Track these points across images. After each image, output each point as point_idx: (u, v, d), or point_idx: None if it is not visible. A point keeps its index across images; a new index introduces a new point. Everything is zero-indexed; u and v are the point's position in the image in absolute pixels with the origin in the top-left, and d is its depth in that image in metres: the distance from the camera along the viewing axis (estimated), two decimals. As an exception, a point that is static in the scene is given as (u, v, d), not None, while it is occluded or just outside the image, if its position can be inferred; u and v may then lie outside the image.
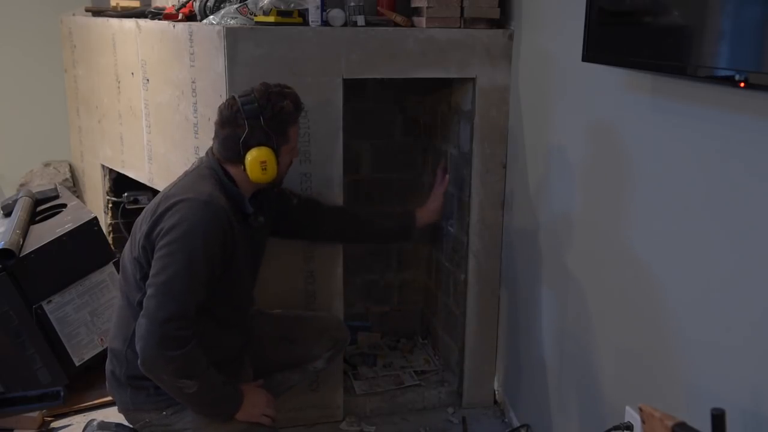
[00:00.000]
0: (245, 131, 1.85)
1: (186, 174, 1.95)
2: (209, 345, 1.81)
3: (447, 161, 2.63)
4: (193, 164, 2.02)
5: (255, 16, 2.25)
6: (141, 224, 1.86)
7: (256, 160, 1.86)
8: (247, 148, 1.86)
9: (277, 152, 1.89)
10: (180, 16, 2.49)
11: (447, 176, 2.45)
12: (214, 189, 1.85)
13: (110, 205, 3.24)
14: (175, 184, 1.91)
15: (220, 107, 1.92)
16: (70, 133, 3.56)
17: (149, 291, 1.75)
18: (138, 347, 1.74)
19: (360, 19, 2.30)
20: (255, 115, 1.85)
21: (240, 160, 1.87)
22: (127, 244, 1.94)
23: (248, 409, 1.87)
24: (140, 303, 1.80)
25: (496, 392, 2.69)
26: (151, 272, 1.77)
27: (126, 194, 3.03)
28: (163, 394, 1.84)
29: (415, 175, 2.98)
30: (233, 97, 1.90)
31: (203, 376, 1.78)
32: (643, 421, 1.21)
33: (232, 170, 1.91)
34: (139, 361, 1.75)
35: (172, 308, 1.72)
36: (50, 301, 2.54)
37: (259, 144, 1.86)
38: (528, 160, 2.32)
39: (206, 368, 1.78)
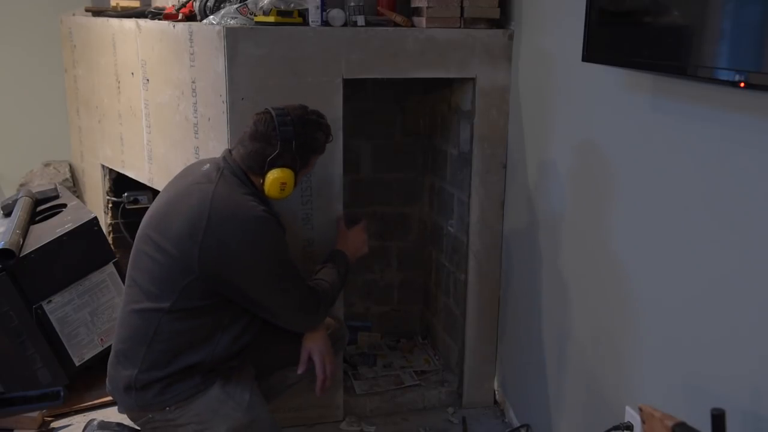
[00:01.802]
0: (275, 152, 1.90)
1: (211, 181, 1.90)
2: (241, 334, 1.94)
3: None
4: (204, 167, 1.98)
5: (255, 16, 2.25)
6: (180, 235, 1.82)
7: (278, 181, 1.93)
8: (272, 167, 1.92)
9: (296, 175, 1.97)
10: (180, 16, 2.49)
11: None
12: (254, 199, 1.90)
13: (110, 205, 3.24)
14: (207, 198, 1.85)
15: (255, 120, 1.94)
16: (70, 133, 3.56)
17: (275, 310, 1.95)
18: (310, 328, 2.06)
19: (360, 19, 2.30)
20: (289, 139, 1.91)
21: (261, 174, 1.94)
22: (148, 249, 1.89)
23: (355, 252, 2.25)
24: (174, 309, 1.84)
25: (496, 392, 2.69)
26: (265, 304, 1.92)
27: (126, 194, 3.02)
28: (169, 393, 1.86)
29: (415, 175, 2.98)
30: (270, 114, 1.93)
31: (336, 288, 2.11)
32: (643, 421, 1.21)
33: (252, 177, 1.95)
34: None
35: (302, 298, 1.97)
36: (50, 301, 2.54)
37: (283, 165, 1.93)
38: (528, 160, 2.31)
39: (330, 286, 2.07)
